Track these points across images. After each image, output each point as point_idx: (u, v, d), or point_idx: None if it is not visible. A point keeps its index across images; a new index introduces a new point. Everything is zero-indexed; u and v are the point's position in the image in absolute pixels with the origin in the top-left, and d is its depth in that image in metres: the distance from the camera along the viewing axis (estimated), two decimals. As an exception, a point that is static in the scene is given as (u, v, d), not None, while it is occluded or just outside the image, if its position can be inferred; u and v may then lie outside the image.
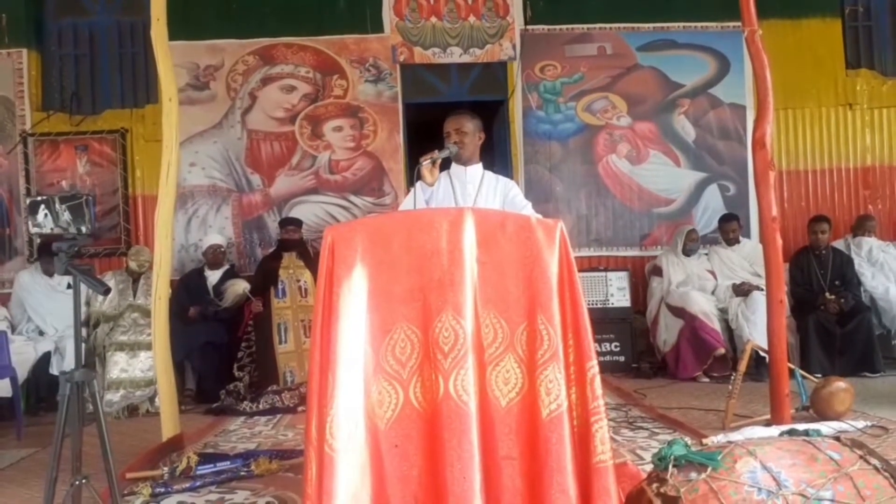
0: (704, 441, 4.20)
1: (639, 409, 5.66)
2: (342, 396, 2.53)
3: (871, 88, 8.39)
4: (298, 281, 7.03)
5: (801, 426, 4.11)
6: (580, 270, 2.81)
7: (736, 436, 4.10)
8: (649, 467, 3.03)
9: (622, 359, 7.51)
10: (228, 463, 4.25)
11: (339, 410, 2.52)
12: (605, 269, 7.85)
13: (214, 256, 7.41)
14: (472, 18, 8.22)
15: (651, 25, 8.28)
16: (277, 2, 8.09)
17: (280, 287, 6.98)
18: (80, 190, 7.59)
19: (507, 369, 2.63)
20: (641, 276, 8.02)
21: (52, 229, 3.06)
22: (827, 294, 7.09)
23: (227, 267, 7.49)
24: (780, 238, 4.78)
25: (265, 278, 7.08)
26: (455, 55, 8.22)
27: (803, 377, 5.20)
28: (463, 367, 2.55)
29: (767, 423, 4.65)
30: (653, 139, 8.30)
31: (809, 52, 8.26)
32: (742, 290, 7.07)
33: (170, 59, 5.11)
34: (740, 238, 7.61)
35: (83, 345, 3.90)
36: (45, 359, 6.44)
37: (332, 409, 2.51)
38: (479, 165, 4.07)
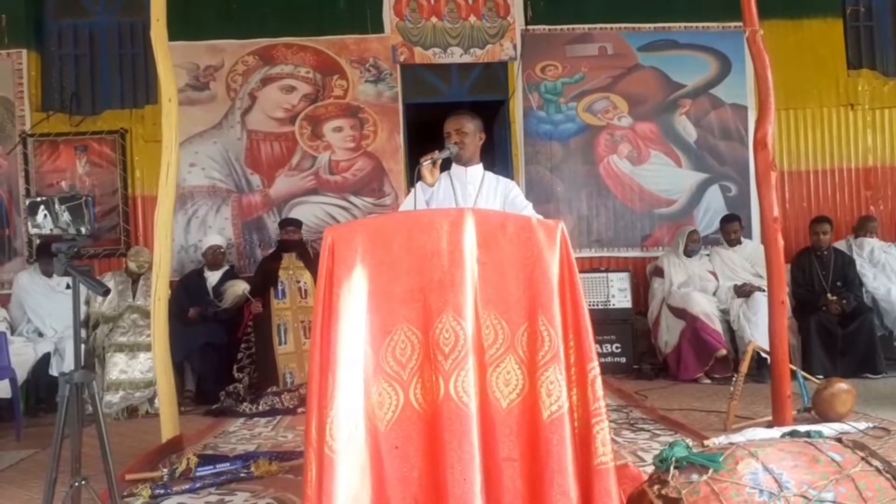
0: (706, 442, 4.19)
1: (640, 411, 5.65)
2: (342, 398, 2.52)
3: (873, 89, 8.38)
4: (298, 282, 7.02)
5: (802, 427, 4.13)
6: (581, 271, 2.80)
7: (737, 437, 4.11)
8: (650, 469, 3.02)
9: (623, 360, 7.49)
10: (228, 464, 4.25)
11: (339, 412, 2.51)
12: (606, 270, 7.84)
13: (214, 257, 7.40)
14: (472, 18, 8.21)
15: (652, 25, 8.28)
16: (277, 2, 8.09)
17: (280, 288, 6.98)
18: (80, 190, 7.59)
19: (508, 370, 2.62)
20: (643, 277, 8.01)
21: (51, 230, 3.06)
22: (828, 295, 7.07)
23: (226, 268, 7.48)
24: (781, 239, 4.77)
25: (265, 279, 7.08)
26: (455, 55, 8.21)
27: (805, 378, 5.19)
28: (463, 369, 2.54)
29: (769, 425, 4.64)
30: (654, 139, 8.29)
31: (811, 53, 8.25)
32: (743, 291, 7.05)
33: (169, 59, 5.11)
34: (742, 239, 7.59)
35: (82, 346, 3.89)
36: (44, 360, 6.43)
37: (332, 411, 2.51)
38: (480, 166, 4.05)
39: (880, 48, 8.68)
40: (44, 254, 6.73)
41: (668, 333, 7.27)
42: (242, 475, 4.13)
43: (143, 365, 6.45)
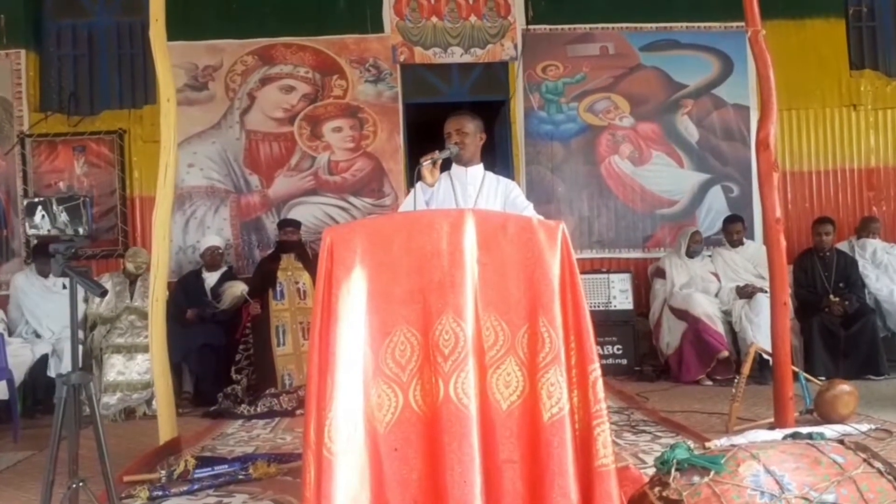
0: (707, 444, 4.19)
1: (641, 413, 5.64)
2: (341, 399, 2.51)
3: (876, 89, 8.37)
4: (297, 283, 7.00)
5: (804, 429, 4.12)
6: (582, 272, 2.80)
7: (739, 439, 4.09)
8: (652, 471, 3.02)
9: (624, 362, 7.48)
10: (226, 466, 4.25)
11: (337, 413, 2.50)
12: (608, 271, 7.82)
13: (212, 258, 7.39)
14: (473, 18, 8.20)
15: (654, 25, 8.27)
16: (276, 2, 8.07)
17: (278, 289, 6.96)
18: (78, 191, 7.58)
19: (508, 372, 2.61)
20: (644, 279, 7.99)
21: (49, 231, 3.06)
22: (831, 296, 7.06)
23: (225, 269, 7.47)
24: (783, 240, 4.76)
25: (263, 280, 7.06)
26: (456, 55, 8.20)
27: (807, 380, 5.18)
28: (463, 370, 2.53)
29: (771, 427, 4.64)
30: (656, 140, 8.28)
31: (813, 53, 8.24)
32: (746, 293, 7.04)
33: (168, 59, 5.10)
34: (744, 240, 7.58)
35: (80, 347, 3.87)
36: (42, 361, 6.41)
37: (331, 412, 2.50)
38: (480, 166, 4.05)
39: (883, 48, 8.66)
40: (40, 254, 6.72)
41: (670, 335, 7.26)
42: (241, 477, 4.12)
43: (140, 366, 6.44)
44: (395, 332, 2.62)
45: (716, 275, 7.45)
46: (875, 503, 2.50)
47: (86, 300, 6.75)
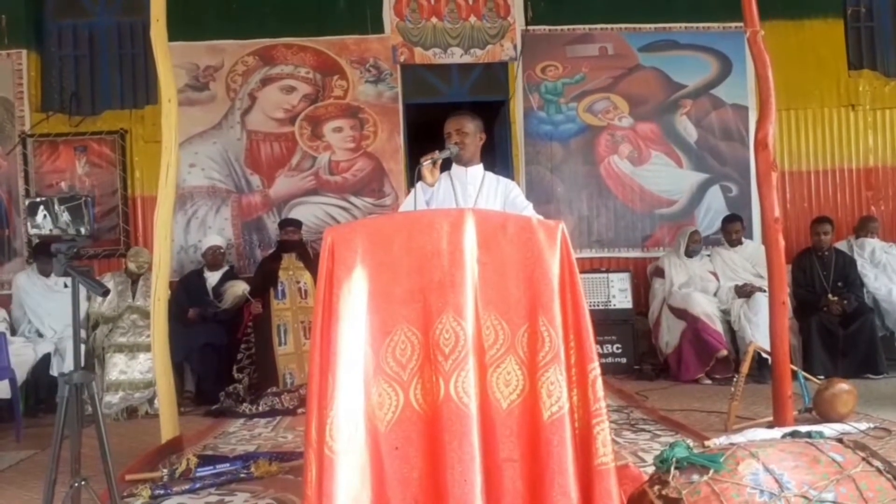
0: (706, 443, 4.19)
1: (640, 411, 5.64)
2: (342, 398, 2.52)
3: (874, 89, 8.38)
4: (298, 282, 7.01)
5: (803, 428, 4.13)
6: (581, 272, 2.80)
7: (738, 438, 4.10)
8: (651, 469, 3.02)
9: (624, 360, 7.49)
10: (228, 465, 4.25)
11: (339, 412, 2.51)
12: (607, 271, 7.83)
13: (214, 258, 7.40)
14: (472, 19, 8.21)
15: (653, 26, 8.27)
16: (277, 2, 8.08)
17: (280, 288, 6.97)
18: (80, 191, 7.58)
19: (508, 371, 2.62)
20: (643, 278, 8.00)
21: (51, 230, 3.06)
22: (829, 295, 7.07)
23: (226, 268, 7.48)
24: (782, 239, 4.77)
25: (265, 279, 7.07)
26: (456, 55, 8.21)
27: (806, 379, 5.18)
28: (464, 369, 2.54)
29: (770, 425, 4.64)
30: (655, 140, 8.29)
31: (812, 53, 8.25)
32: (744, 292, 7.05)
33: (169, 59, 5.11)
34: (742, 239, 7.59)
35: (82, 346, 3.89)
36: (44, 360, 6.41)
37: (332, 411, 2.50)
38: (480, 166, 4.05)
39: (881, 49, 8.67)
40: (40, 253, 6.73)
41: (669, 334, 7.27)
42: (242, 476, 4.12)
43: (142, 365, 6.45)
44: (395, 332, 2.62)
45: (714, 274, 7.46)
46: (874, 502, 2.50)
47: (88, 299, 6.75)
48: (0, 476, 4.54)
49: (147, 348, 6.19)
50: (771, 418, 4.78)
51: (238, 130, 8.06)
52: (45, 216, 3.04)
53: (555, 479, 2.50)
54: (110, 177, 7.95)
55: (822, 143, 8.36)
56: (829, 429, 4.30)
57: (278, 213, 7.98)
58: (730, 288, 7.21)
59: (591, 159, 8.28)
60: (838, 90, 8.36)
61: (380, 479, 2.54)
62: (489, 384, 2.60)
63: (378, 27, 8.16)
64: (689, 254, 7.55)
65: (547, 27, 8.25)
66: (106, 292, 3.34)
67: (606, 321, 7.38)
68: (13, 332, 6.65)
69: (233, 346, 6.97)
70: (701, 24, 8.27)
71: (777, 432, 4.23)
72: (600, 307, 7.45)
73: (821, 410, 4.92)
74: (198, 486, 3.98)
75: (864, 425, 4.65)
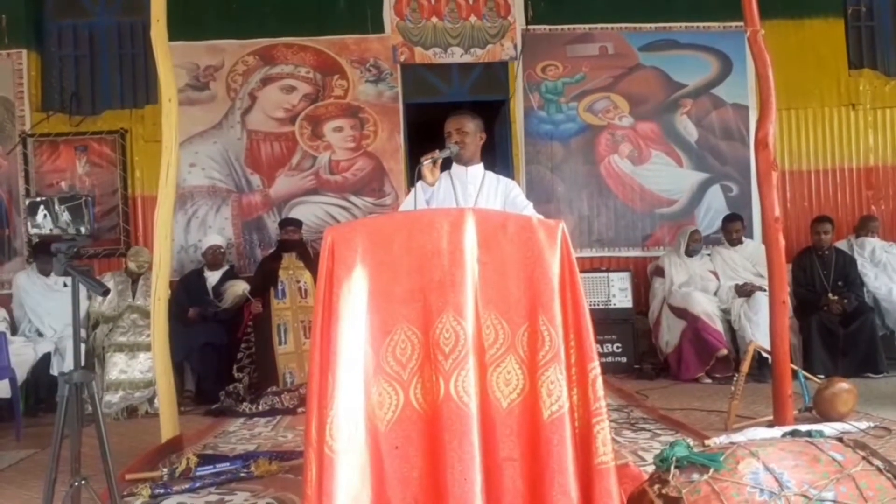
0: (707, 442, 4.19)
1: (641, 411, 5.65)
2: (342, 398, 2.52)
3: (874, 89, 8.38)
4: (298, 282, 7.01)
5: (803, 427, 4.12)
6: (582, 271, 2.80)
7: (738, 437, 4.10)
8: (651, 468, 3.02)
9: (624, 360, 7.49)
10: (228, 464, 4.25)
11: (339, 412, 2.51)
12: (607, 270, 7.84)
13: (214, 257, 7.40)
14: (473, 18, 8.21)
15: (653, 25, 8.27)
16: (277, 2, 8.08)
17: (280, 288, 6.97)
18: (80, 190, 7.59)
19: (509, 370, 2.62)
20: (643, 277, 8.01)
21: (51, 230, 3.06)
22: (830, 295, 7.07)
23: (226, 268, 7.48)
24: (782, 238, 4.76)
25: (265, 279, 7.07)
26: (456, 55, 8.21)
27: (806, 378, 5.18)
28: (464, 369, 2.54)
29: (770, 424, 4.64)
30: (655, 139, 8.29)
31: (812, 53, 8.25)
32: (745, 291, 7.05)
33: (169, 59, 5.10)
34: (743, 238, 7.59)
35: (82, 346, 3.89)
36: (44, 360, 6.42)
37: (332, 411, 2.50)
38: (480, 166, 4.05)
39: (881, 48, 8.67)
40: (40, 252, 6.74)
41: (669, 333, 7.27)
42: (242, 475, 4.13)
43: (142, 365, 6.45)
44: (395, 331, 2.62)
45: (715, 273, 7.46)
46: (874, 501, 2.50)
47: (88, 298, 6.76)
48: (0, 475, 4.54)
49: (147, 348, 6.19)
50: (771, 417, 4.78)
51: (238, 130, 8.06)
52: (45, 216, 3.04)
53: (555, 478, 2.50)
54: (110, 176, 7.96)
55: (823, 142, 8.36)
56: (830, 428, 4.29)
57: (278, 213, 7.98)
58: (730, 287, 7.22)
59: (592, 159, 8.28)
60: (839, 89, 8.36)
61: (380, 478, 2.54)
62: (489, 383, 2.60)
63: (378, 27, 8.16)
64: (690, 253, 7.55)
65: (547, 27, 8.25)
66: (106, 292, 3.34)
67: (606, 320, 7.38)
68: (13, 332, 6.65)
69: (233, 345, 6.97)
70: (701, 24, 8.27)
71: (777, 431, 4.23)
72: (600, 306, 7.46)
73: (821, 409, 4.93)
74: (198, 485, 3.98)
75: (864, 424, 4.64)
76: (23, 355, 6.23)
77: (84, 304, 6.61)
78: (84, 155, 7.93)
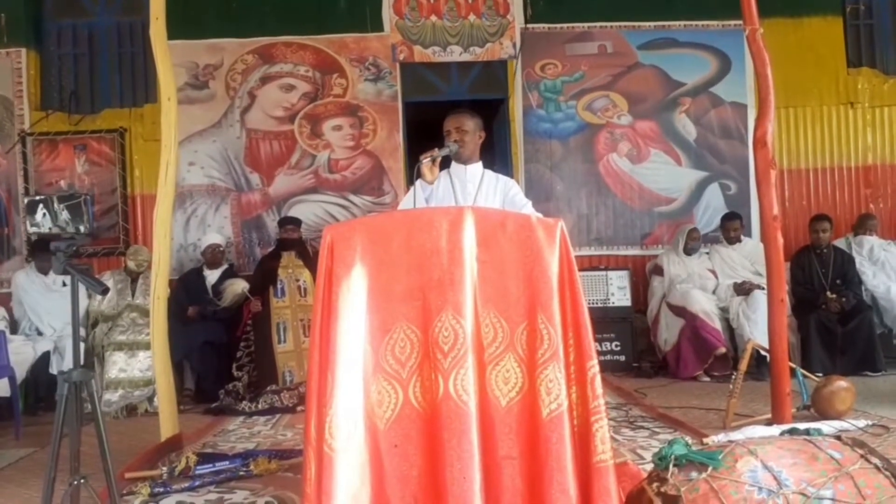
0: (705, 440, 4.19)
1: (639, 409, 5.65)
2: (341, 396, 2.52)
3: (873, 87, 8.38)
4: (297, 280, 7.02)
5: (802, 425, 4.10)
6: (581, 269, 2.81)
7: (737, 435, 4.10)
8: (650, 467, 3.02)
9: (623, 358, 7.50)
10: (227, 463, 4.24)
11: (338, 410, 2.51)
12: (606, 269, 7.85)
13: (213, 256, 7.40)
14: (472, 17, 8.21)
15: (652, 24, 8.27)
16: (277, 1, 8.08)
17: (279, 286, 6.96)
18: (79, 189, 7.58)
19: (508, 369, 2.62)
20: (642, 276, 8.01)
21: (50, 229, 3.06)
22: (828, 293, 7.08)
23: (225, 266, 7.48)
24: (781, 237, 4.76)
25: (264, 278, 7.07)
26: (455, 54, 8.21)
27: (804, 376, 5.19)
28: (463, 367, 2.54)
29: (768, 423, 4.64)
30: (654, 138, 8.29)
31: (811, 51, 8.25)
32: (743, 289, 7.06)
33: (169, 58, 5.10)
34: (741, 237, 7.60)
35: (81, 344, 3.89)
36: (44, 358, 6.42)
37: (332, 409, 2.50)
38: (479, 164, 4.06)
39: (880, 46, 8.68)
40: (39, 251, 6.74)
41: (668, 331, 7.28)
42: (242, 473, 4.13)
43: (142, 363, 6.45)
44: (394, 330, 2.62)
45: (713, 272, 7.47)
46: (872, 499, 2.50)
47: (88, 296, 6.76)
48: None
49: (146, 346, 6.19)
50: (769, 416, 4.78)
51: (237, 129, 8.06)
52: (44, 214, 3.04)
53: (554, 476, 2.50)
54: (110, 175, 7.96)
55: (821, 140, 8.37)
56: (828, 426, 4.29)
57: (278, 212, 7.98)
58: (728, 286, 7.22)
59: (591, 157, 8.29)
60: (837, 88, 8.36)
61: (379, 476, 2.54)
62: (488, 382, 2.60)
63: (377, 25, 8.16)
64: (688, 251, 7.56)
65: (546, 25, 8.25)
66: (105, 290, 3.34)
67: (605, 319, 7.40)
68: (13, 331, 6.65)
69: (232, 344, 6.98)
70: (700, 22, 8.27)
71: (775, 429, 4.22)
72: (599, 305, 7.47)
73: (819, 408, 4.93)
74: (197, 483, 3.98)
75: (862, 422, 4.65)
76: (22, 354, 6.24)
77: (83, 303, 6.61)
78: (83, 154, 7.93)
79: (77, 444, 2.99)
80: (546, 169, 8.26)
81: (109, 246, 7.90)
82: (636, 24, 8.28)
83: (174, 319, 5.79)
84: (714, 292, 7.30)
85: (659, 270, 7.64)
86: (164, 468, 4.18)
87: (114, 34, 8.32)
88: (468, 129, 3.94)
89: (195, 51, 7.97)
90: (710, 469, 2.58)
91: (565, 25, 8.26)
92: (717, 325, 6.97)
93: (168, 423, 4.90)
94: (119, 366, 6.45)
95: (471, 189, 3.98)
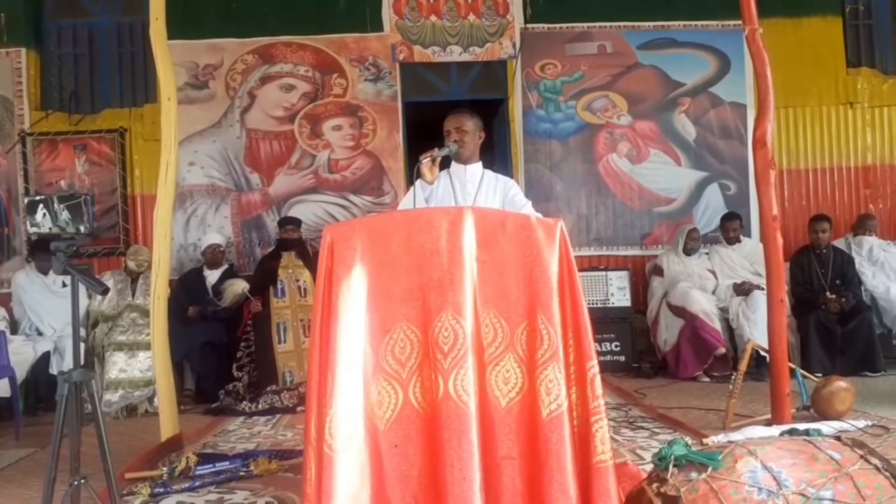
0: (705, 441, 4.19)
1: (639, 409, 5.65)
2: (341, 396, 2.52)
3: (872, 87, 8.38)
4: (297, 280, 7.02)
5: (801, 426, 4.10)
6: (580, 270, 2.80)
7: (736, 435, 4.10)
8: (650, 467, 3.02)
9: (622, 358, 7.50)
10: (227, 463, 4.24)
11: (338, 410, 2.51)
12: (606, 269, 7.85)
13: (213, 256, 7.40)
14: (471, 17, 8.21)
15: (651, 24, 8.28)
16: (276, 1, 8.08)
17: (279, 287, 6.97)
18: (79, 189, 7.58)
19: (507, 369, 2.62)
20: (642, 276, 8.01)
21: (50, 229, 3.05)
22: (828, 293, 7.08)
23: (225, 266, 7.48)
24: (780, 237, 4.76)
25: (264, 278, 7.07)
26: (455, 54, 8.21)
27: (804, 377, 5.19)
28: (463, 367, 2.54)
29: (768, 423, 4.64)
30: (653, 138, 8.29)
31: (810, 51, 8.25)
32: (743, 290, 7.06)
33: (169, 58, 5.10)
34: (741, 237, 7.60)
35: (82, 345, 3.89)
36: (44, 358, 6.42)
37: (332, 409, 2.50)
38: (479, 164, 4.06)
39: (879, 46, 8.68)
40: (39, 251, 6.74)
41: (668, 332, 7.28)
42: (242, 474, 4.13)
43: (142, 364, 6.45)
44: (394, 330, 2.62)
45: (713, 272, 7.47)
46: (872, 500, 2.50)
47: (88, 296, 6.75)
48: (0, 474, 4.54)
49: (147, 346, 6.19)
50: (769, 416, 4.79)
51: (237, 129, 8.06)
52: (44, 214, 3.04)
53: (553, 476, 2.50)
54: (110, 175, 7.96)
55: (821, 140, 8.37)
56: (828, 426, 4.29)
57: (278, 212, 7.98)
58: (728, 286, 7.22)
59: (590, 157, 8.29)
60: (837, 88, 8.37)
61: (379, 476, 2.54)
62: (488, 382, 2.60)
63: (377, 25, 8.16)
64: (688, 252, 7.57)
65: (546, 25, 8.26)
66: (105, 291, 3.34)
67: (605, 319, 7.40)
68: (13, 331, 6.66)
69: (232, 344, 6.98)
70: (700, 22, 8.27)
71: (775, 430, 4.23)
72: (599, 305, 7.47)
73: (819, 408, 4.93)
74: (197, 484, 3.98)
75: (861, 423, 4.65)
76: (22, 354, 6.23)
77: (83, 303, 6.61)
78: (83, 154, 7.93)
79: (77, 445, 2.99)
80: (546, 169, 8.27)
81: (109, 246, 7.90)
82: (636, 24, 8.28)
83: (174, 319, 5.79)
84: (714, 292, 7.30)
85: (658, 271, 7.64)
86: (165, 468, 4.18)
87: (114, 34, 8.32)
88: (468, 130, 3.94)
89: (195, 51, 7.97)
90: (709, 469, 2.58)
91: (565, 25, 8.27)
92: (717, 325, 6.97)
93: (168, 424, 4.90)
94: (119, 366, 6.45)
95: (470, 189, 3.99)
